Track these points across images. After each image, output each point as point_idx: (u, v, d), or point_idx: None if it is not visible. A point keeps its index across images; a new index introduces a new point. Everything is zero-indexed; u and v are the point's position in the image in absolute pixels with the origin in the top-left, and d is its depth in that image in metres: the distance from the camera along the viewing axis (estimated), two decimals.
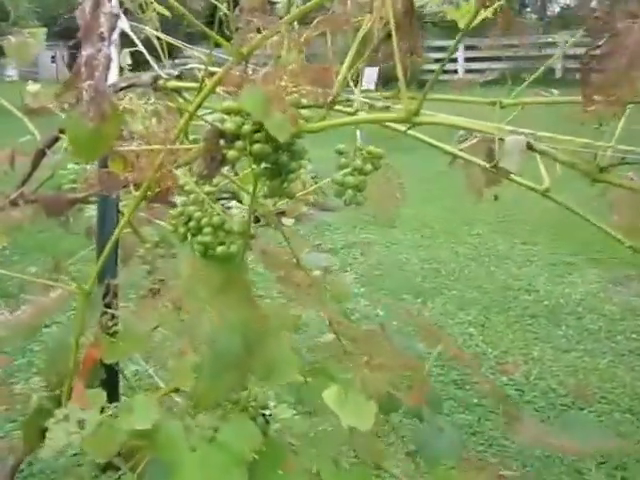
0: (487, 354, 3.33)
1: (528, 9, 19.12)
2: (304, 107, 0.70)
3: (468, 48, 14.02)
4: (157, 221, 1.07)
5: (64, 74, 17.76)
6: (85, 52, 0.45)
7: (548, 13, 18.89)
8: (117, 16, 0.45)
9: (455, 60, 14.34)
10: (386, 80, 0.87)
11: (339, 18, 0.73)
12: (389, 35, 0.66)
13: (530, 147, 0.54)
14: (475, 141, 0.86)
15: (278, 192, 0.75)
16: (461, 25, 1.14)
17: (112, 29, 0.45)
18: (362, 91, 0.77)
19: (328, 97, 0.62)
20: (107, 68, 0.45)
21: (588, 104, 0.43)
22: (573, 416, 0.90)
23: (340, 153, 0.82)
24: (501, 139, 0.53)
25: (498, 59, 10.09)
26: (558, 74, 11.93)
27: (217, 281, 0.65)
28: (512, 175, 0.58)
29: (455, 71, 14.26)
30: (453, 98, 0.67)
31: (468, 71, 13.79)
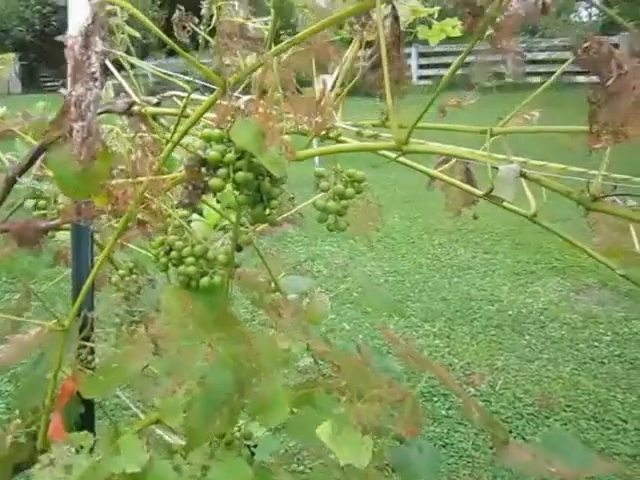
0: (453, 365, 3.35)
1: None
2: (288, 134, 0.69)
3: (421, 55, 14.35)
4: (130, 245, 1.04)
5: (16, 87, 17.53)
6: (75, 92, 0.43)
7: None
8: (107, 53, 0.44)
9: (409, 67, 14.71)
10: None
11: (319, 43, 0.73)
12: (375, 65, 0.65)
13: (523, 175, 0.54)
14: (453, 162, 0.86)
15: (261, 219, 0.73)
16: (432, 44, 1.14)
17: (102, 66, 0.43)
18: None
19: (320, 127, 0.61)
20: (97, 108, 0.44)
21: (595, 141, 0.43)
22: (555, 435, 0.90)
23: (320, 176, 0.80)
24: (494, 167, 0.53)
25: (449, 65, 10.26)
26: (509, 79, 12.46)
27: (204, 314, 0.64)
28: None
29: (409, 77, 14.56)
30: (443, 126, 0.66)
31: (420, 77, 14.02)
